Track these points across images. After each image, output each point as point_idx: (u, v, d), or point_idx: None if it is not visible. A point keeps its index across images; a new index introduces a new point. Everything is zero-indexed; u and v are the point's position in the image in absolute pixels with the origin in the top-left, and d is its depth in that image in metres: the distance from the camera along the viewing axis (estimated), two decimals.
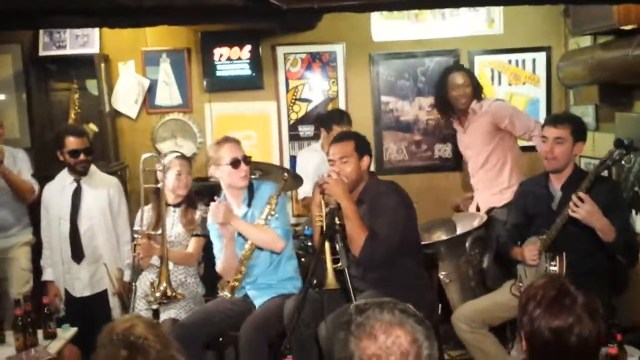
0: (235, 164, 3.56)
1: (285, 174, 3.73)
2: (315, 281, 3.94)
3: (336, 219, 3.15)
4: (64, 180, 4.13)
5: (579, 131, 3.48)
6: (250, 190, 3.70)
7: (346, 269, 3.02)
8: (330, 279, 3.10)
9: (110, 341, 1.71)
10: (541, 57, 5.21)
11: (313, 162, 4.69)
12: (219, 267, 3.69)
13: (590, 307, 1.88)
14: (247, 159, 3.60)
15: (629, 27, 3.70)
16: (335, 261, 3.13)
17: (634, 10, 3.55)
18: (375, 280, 3.33)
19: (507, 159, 4.40)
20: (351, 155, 3.40)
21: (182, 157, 4.04)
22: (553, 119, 3.60)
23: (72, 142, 4.04)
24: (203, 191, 4.67)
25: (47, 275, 4.14)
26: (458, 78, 4.41)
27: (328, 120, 4.69)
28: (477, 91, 4.44)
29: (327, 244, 3.12)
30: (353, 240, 3.25)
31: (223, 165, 3.57)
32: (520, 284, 3.55)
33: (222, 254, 3.64)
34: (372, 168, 4.80)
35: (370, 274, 3.35)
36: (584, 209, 3.16)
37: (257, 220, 3.57)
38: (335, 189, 3.25)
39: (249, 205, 3.67)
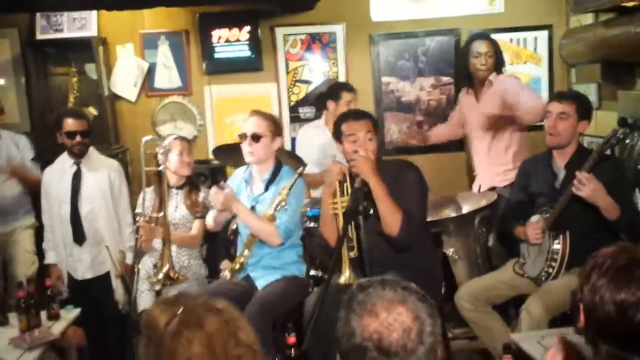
0: (242, 136, 3.57)
1: (301, 168, 3.56)
2: (319, 260, 3.95)
3: (360, 199, 2.97)
4: (63, 164, 4.11)
5: (583, 109, 3.46)
6: (275, 173, 3.65)
7: (365, 253, 2.93)
8: (348, 273, 2.99)
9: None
10: (543, 35, 5.18)
11: (316, 140, 4.67)
12: (209, 222, 3.74)
13: None
14: (255, 136, 3.55)
15: (630, 4, 3.67)
16: (349, 248, 3.04)
17: None
18: (400, 261, 3.18)
19: (513, 139, 4.37)
20: (372, 133, 3.26)
21: (182, 138, 4.03)
22: (559, 95, 3.61)
23: (69, 123, 4.02)
24: (204, 173, 4.68)
25: (49, 258, 4.14)
26: (482, 46, 4.36)
27: (335, 89, 4.67)
28: (498, 63, 4.40)
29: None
30: (388, 220, 3.10)
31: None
32: (524, 262, 3.56)
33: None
34: None
35: (399, 255, 3.20)
36: (588, 188, 3.15)
37: (267, 210, 3.54)
38: (364, 166, 3.07)
39: (267, 188, 3.63)
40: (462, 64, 4.50)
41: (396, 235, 3.11)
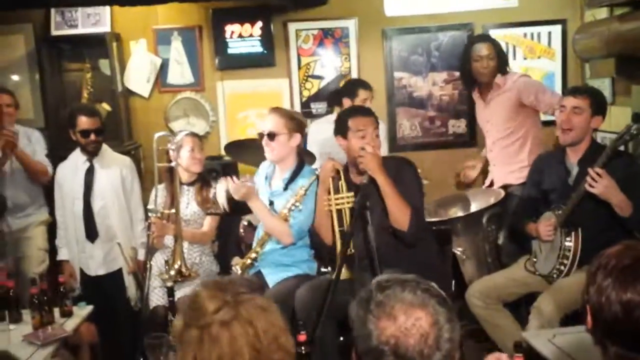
0: (260, 135, 3.61)
1: (318, 169, 3.61)
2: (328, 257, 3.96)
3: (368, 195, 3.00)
4: (76, 160, 4.15)
5: (598, 104, 3.43)
6: (296, 173, 3.65)
7: (374, 249, 2.94)
8: (343, 269, 3.00)
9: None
10: (557, 30, 5.13)
11: (328, 134, 4.64)
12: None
13: None
14: (271, 135, 3.56)
15: None
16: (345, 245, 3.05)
17: None
18: (405, 257, 3.21)
19: (528, 137, 4.29)
20: (376, 129, 3.30)
21: (193, 134, 4.04)
22: (573, 90, 3.58)
23: (83, 121, 4.05)
24: (216, 169, 4.68)
25: (62, 255, 4.18)
26: (482, 49, 4.26)
27: (352, 86, 4.62)
28: (502, 64, 4.30)
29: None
30: (397, 216, 3.14)
31: None
32: (535, 260, 3.54)
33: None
34: (386, 145, 4.80)
35: (404, 251, 3.23)
36: (601, 184, 3.12)
37: (281, 209, 3.55)
38: (372, 163, 3.10)
39: (286, 187, 3.64)
40: (465, 66, 4.42)
41: (407, 230, 3.15)
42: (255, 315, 1.51)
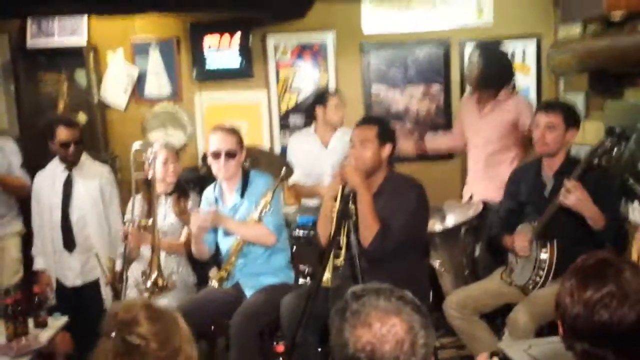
0: (215, 155, 3.58)
1: (284, 169, 3.66)
2: (308, 270, 3.97)
3: (351, 205, 3.08)
4: (54, 170, 4.10)
5: (571, 118, 3.47)
6: (245, 181, 3.68)
7: (356, 257, 2.99)
8: (327, 276, 3.02)
9: (109, 337, 1.71)
10: (531, 46, 5.20)
11: (306, 147, 4.67)
12: (193, 250, 3.73)
13: (638, 283, 1.62)
14: (230, 153, 3.58)
15: (618, 14, 3.70)
16: (335, 254, 3.08)
17: None
18: (380, 272, 3.15)
19: (517, 158, 4.31)
20: (372, 141, 3.33)
21: (167, 145, 4.03)
22: (545, 106, 3.62)
23: (63, 133, 4.01)
24: (193, 181, 4.67)
25: (38, 265, 4.12)
26: (471, 55, 4.28)
27: (320, 95, 4.70)
28: (493, 76, 4.28)
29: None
30: (362, 231, 3.20)
31: (209, 153, 3.62)
32: (511, 271, 3.57)
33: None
34: None
35: (375, 265, 3.25)
36: (574, 196, 3.17)
37: (251, 215, 3.55)
38: (352, 176, 3.20)
39: (242, 195, 3.66)
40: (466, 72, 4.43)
41: (367, 246, 3.21)
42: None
